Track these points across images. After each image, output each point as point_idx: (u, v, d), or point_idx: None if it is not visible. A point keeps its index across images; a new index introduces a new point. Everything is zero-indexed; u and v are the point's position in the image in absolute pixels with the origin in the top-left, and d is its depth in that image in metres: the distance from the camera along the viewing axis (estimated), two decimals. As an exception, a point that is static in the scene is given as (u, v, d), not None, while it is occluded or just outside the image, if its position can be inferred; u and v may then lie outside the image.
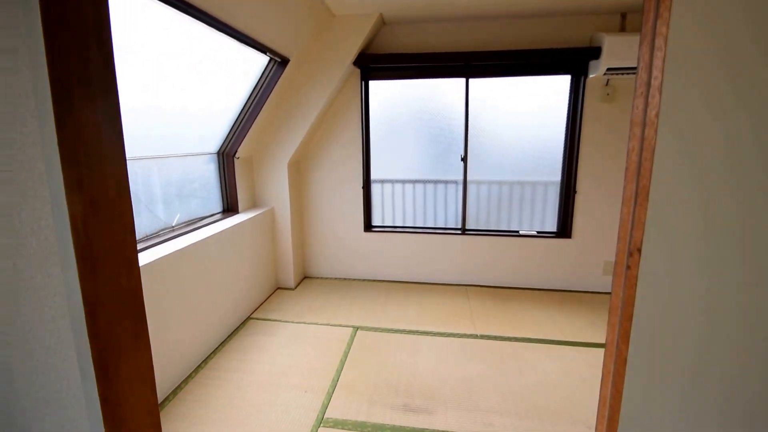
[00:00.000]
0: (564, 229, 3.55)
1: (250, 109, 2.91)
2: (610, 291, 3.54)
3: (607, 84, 3.15)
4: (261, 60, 2.68)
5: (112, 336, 0.86)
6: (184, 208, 2.62)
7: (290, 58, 2.82)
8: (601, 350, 2.62)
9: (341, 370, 2.42)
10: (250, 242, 3.09)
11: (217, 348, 2.62)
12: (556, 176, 3.53)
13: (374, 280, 3.88)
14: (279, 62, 2.79)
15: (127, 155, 2.10)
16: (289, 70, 2.92)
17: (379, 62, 3.30)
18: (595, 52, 2.93)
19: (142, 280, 1.96)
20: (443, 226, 3.83)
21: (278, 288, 3.67)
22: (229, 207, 3.17)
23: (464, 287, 3.72)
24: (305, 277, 3.95)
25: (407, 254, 3.80)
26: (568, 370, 2.41)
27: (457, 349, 2.64)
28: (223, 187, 3.09)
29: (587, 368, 2.44)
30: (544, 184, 3.58)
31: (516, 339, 2.78)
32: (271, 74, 2.82)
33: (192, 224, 2.68)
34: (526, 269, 3.65)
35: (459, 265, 3.75)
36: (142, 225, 2.23)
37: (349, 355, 2.57)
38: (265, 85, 2.85)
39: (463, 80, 3.38)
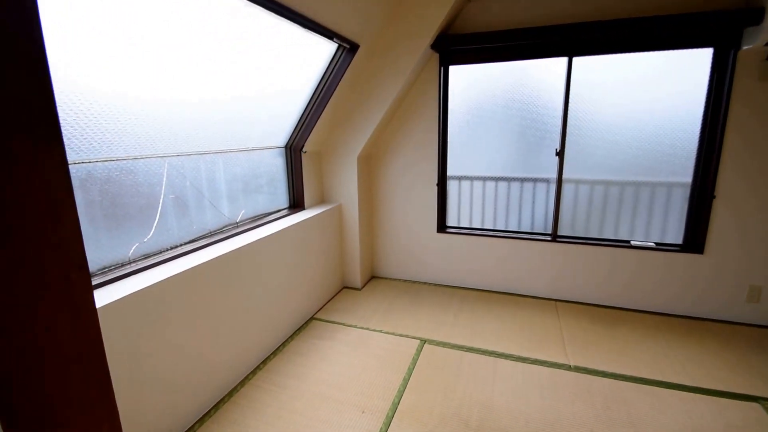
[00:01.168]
0: (694, 242, 2.85)
1: (317, 101, 2.79)
2: (759, 324, 2.77)
3: (767, 58, 2.40)
4: (328, 47, 2.54)
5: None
6: (250, 204, 2.60)
7: (360, 44, 2.63)
8: (748, 405, 2.00)
9: (403, 391, 2.18)
10: (316, 240, 3.01)
11: (277, 349, 2.57)
12: (685, 176, 2.84)
13: (447, 286, 3.57)
14: (348, 49, 2.62)
15: (193, 149, 2.14)
16: (359, 58, 2.74)
17: (462, 44, 2.95)
18: (754, 16, 2.22)
19: (204, 278, 1.97)
20: (530, 231, 3.36)
21: (344, 287, 3.56)
22: (296, 203, 3.11)
23: (553, 302, 3.22)
24: (373, 277, 3.79)
25: (486, 260, 3.42)
26: (697, 430, 1.87)
27: (545, 382, 2.24)
28: (289, 182, 3.04)
29: (723, 428, 1.86)
30: (667, 186, 2.91)
31: (624, 377, 2.27)
32: (339, 62, 2.67)
33: (257, 220, 2.65)
34: (639, 287, 3.02)
35: (548, 276, 3.26)
36: (206, 221, 2.23)
37: (413, 373, 2.33)
38: (333, 74, 2.71)
39: (563, 60, 2.87)
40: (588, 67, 2.86)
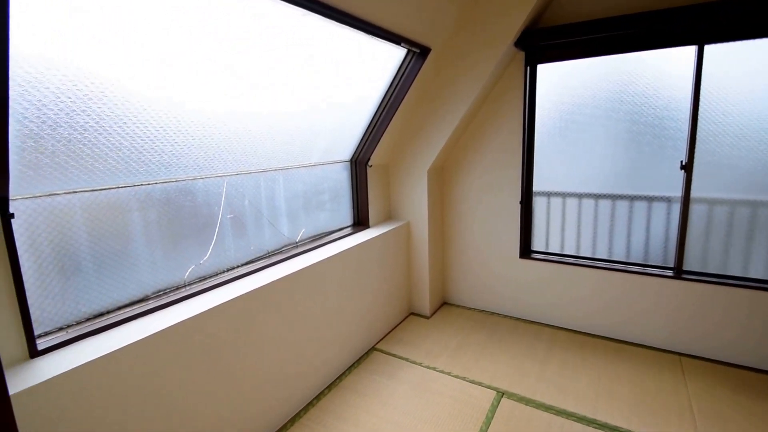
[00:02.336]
0: None
1: (385, 110, 2.69)
2: None
3: None
4: (396, 53, 2.42)
5: None
6: (311, 222, 2.57)
7: (431, 47, 2.47)
8: None
9: (472, 454, 1.93)
10: (381, 261, 2.89)
11: (333, 383, 2.48)
12: None
13: (531, 322, 3.20)
14: (418, 53, 2.47)
15: (253, 167, 2.17)
16: (430, 62, 2.58)
17: (553, 38, 2.63)
18: None
19: (260, 304, 1.97)
20: (642, 262, 2.86)
21: (411, 314, 3.39)
22: (360, 220, 3.04)
23: (676, 357, 2.68)
24: (444, 303, 3.56)
25: (581, 294, 2.98)
26: None
27: (660, 468, 1.81)
28: (354, 198, 2.98)
29: None
30: None
31: (780, 477, 1.75)
32: (408, 69, 2.53)
33: (318, 239, 2.62)
34: (801, 348, 2.37)
35: (668, 322, 2.72)
36: (265, 241, 2.23)
37: (486, 432, 2.06)
38: (402, 81, 2.59)
39: (691, 49, 2.40)
40: (726, 56, 2.34)
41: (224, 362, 1.79)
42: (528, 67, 2.87)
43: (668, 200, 2.72)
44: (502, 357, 2.73)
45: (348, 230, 2.88)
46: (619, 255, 2.95)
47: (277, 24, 1.72)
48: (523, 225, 3.13)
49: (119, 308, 1.60)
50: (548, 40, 2.67)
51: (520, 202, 3.09)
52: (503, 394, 2.36)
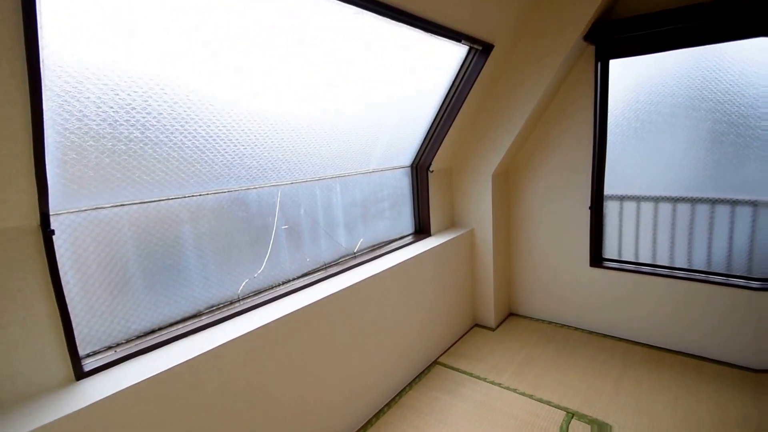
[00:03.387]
0: None
1: (446, 112, 2.29)
2: None
3: None
4: (457, 51, 2.02)
5: None
6: (369, 231, 2.23)
7: (494, 44, 2.03)
8: None
9: (554, 501, 1.46)
10: (443, 270, 2.48)
11: (393, 399, 2.10)
12: None
13: (604, 335, 2.61)
14: (480, 51, 2.05)
15: (308, 175, 1.85)
16: (494, 60, 2.14)
17: (628, 30, 2.09)
18: None
19: (316, 318, 1.63)
20: (725, 272, 2.20)
21: (476, 325, 2.92)
22: (421, 228, 2.64)
23: (764, 375, 2.00)
24: (510, 314, 3.05)
25: (659, 306, 2.37)
26: None
27: None
28: (414, 205, 2.59)
29: None
30: None
31: None
32: (470, 67, 2.11)
33: (377, 249, 2.27)
34: None
35: (755, 339, 2.06)
36: (321, 252, 1.92)
37: (566, 471, 1.57)
38: (463, 81, 2.17)
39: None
40: None
41: (280, 381, 1.49)
42: (599, 63, 2.32)
43: (754, 204, 2.05)
44: (572, 373, 2.21)
45: (409, 239, 2.51)
46: (699, 264, 2.30)
47: (330, 22, 1.40)
48: (594, 231, 2.56)
49: (171, 325, 1.36)
50: (621, 33, 2.13)
51: (590, 207, 2.53)
52: (573, 415, 1.86)
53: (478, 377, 2.24)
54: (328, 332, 1.68)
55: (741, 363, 2.16)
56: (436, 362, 2.44)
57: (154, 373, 1.14)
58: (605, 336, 2.60)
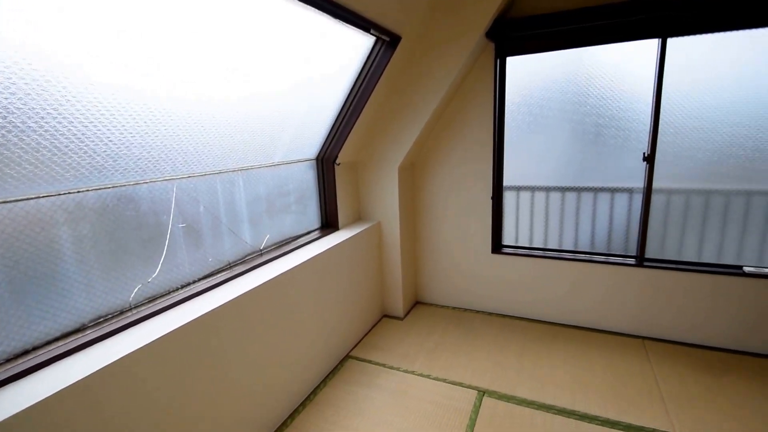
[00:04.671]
0: (837, 270, 2.26)
1: (352, 105, 2.48)
2: None
3: None
4: (365, 41, 2.21)
5: None
6: (276, 227, 2.32)
7: (401, 36, 2.28)
8: None
9: (461, 465, 1.79)
10: (352, 264, 2.68)
11: (308, 397, 2.25)
12: (824, 182, 2.26)
13: (505, 316, 3.13)
14: (387, 42, 2.28)
15: (207, 168, 1.87)
16: (401, 52, 2.39)
17: (523, 29, 2.53)
18: None
19: (222, 322, 1.69)
20: (606, 252, 2.86)
21: (384, 316, 3.21)
22: (329, 222, 2.81)
23: (640, 341, 2.70)
24: (417, 303, 3.42)
25: (551, 286, 2.95)
26: None
27: (646, 461, 1.77)
28: (321, 199, 2.74)
29: None
30: (794, 195, 2.34)
31: (756, 459, 1.75)
32: (377, 59, 2.33)
33: (284, 245, 2.36)
34: (755, 325, 2.45)
35: (632, 308, 2.74)
36: (225, 251, 1.96)
37: (472, 438, 1.93)
38: (370, 73, 2.38)
39: (654, 42, 2.38)
40: (686, 50, 2.35)
41: (185, 395, 1.52)
42: (498, 60, 2.76)
43: (630, 191, 2.72)
44: (479, 354, 2.63)
45: (316, 234, 2.65)
46: (584, 246, 2.94)
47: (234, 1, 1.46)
48: (495, 220, 3.04)
49: (49, 343, 1.29)
50: (517, 32, 2.57)
51: (492, 198, 3.00)
52: (484, 392, 2.25)
53: (391, 367, 2.52)
54: (238, 337, 1.75)
55: (625, 331, 2.80)
56: (348, 356, 2.65)
57: (29, 404, 1.08)
58: (506, 316, 3.12)
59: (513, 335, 2.85)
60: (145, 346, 1.36)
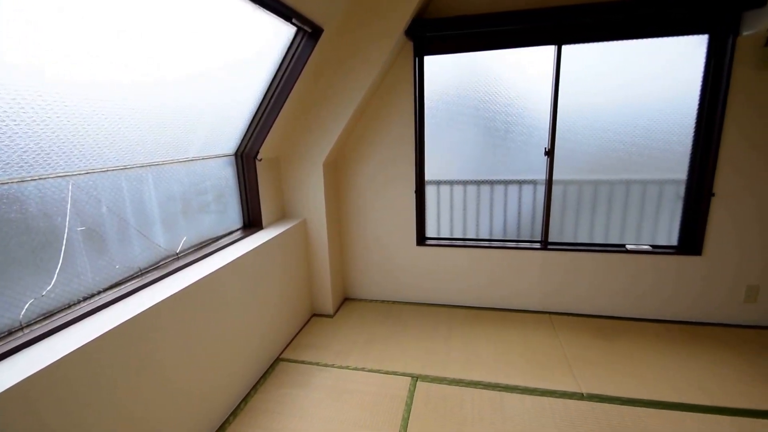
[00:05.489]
0: (691, 243, 2.78)
1: (274, 97, 2.39)
2: (758, 325, 2.75)
3: (766, 44, 2.34)
4: (286, 32, 2.15)
5: None
6: (193, 228, 2.15)
7: (323, 28, 2.26)
8: (781, 428, 1.88)
9: (401, 450, 1.86)
10: (278, 264, 2.59)
11: (239, 407, 2.13)
12: (678, 173, 2.75)
13: (431, 305, 3.29)
14: (309, 33, 2.25)
15: (110, 163, 1.66)
16: (323, 45, 2.37)
17: (438, 29, 2.67)
18: (756, -2, 2.13)
19: (133, 337, 1.51)
20: (516, 239, 3.16)
21: (314, 315, 3.17)
22: (252, 221, 2.68)
23: (548, 316, 3.04)
24: (346, 299, 3.43)
25: (471, 273, 3.17)
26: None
27: (560, 419, 2.00)
28: (242, 197, 2.60)
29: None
30: (659, 183, 2.82)
31: (642, 402, 2.09)
32: (299, 50, 2.28)
33: (203, 248, 2.20)
34: (636, 294, 2.91)
35: (540, 288, 3.07)
36: (135, 256, 1.76)
37: (409, 423, 2.00)
38: (291, 65, 2.32)
39: (552, 48, 2.68)
40: (578, 57, 2.68)
41: (85, 422, 1.34)
42: (416, 58, 2.87)
43: (534, 183, 3.04)
44: (410, 343, 2.73)
45: (239, 234, 2.51)
46: (498, 234, 3.21)
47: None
48: (419, 214, 3.17)
49: None
50: (433, 31, 2.70)
51: (415, 192, 3.12)
52: (418, 378, 2.35)
53: (325, 365, 2.50)
54: (154, 350, 1.59)
55: (537, 309, 3.11)
56: (279, 359, 2.57)
57: None
58: (433, 305, 3.28)
59: (440, 322, 3.00)
60: (41, 370, 1.17)
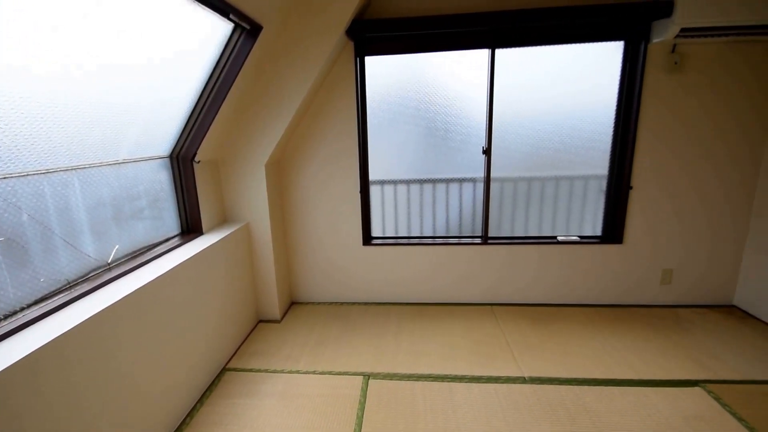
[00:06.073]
0: (613, 233, 3.11)
1: (211, 96, 2.33)
2: (671, 304, 3.15)
3: (673, 51, 2.69)
4: (223, 28, 2.11)
5: None
6: (126, 236, 2.04)
7: (263, 25, 2.25)
8: (692, 391, 2.18)
9: (357, 447, 1.90)
10: (220, 271, 2.53)
11: (184, 421, 2.06)
12: (602, 169, 3.07)
13: (380, 303, 3.37)
14: (248, 31, 2.22)
15: (29, 166, 1.54)
16: (263, 43, 2.36)
17: (377, 30, 2.75)
18: (663, 9, 2.44)
19: (64, 357, 1.41)
20: (458, 235, 3.34)
21: (260, 321, 3.11)
22: (191, 227, 2.58)
23: (490, 307, 3.25)
24: (293, 303, 3.40)
25: (417, 270, 3.30)
26: (661, 427, 1.95)
27: (505, 402, 2.16)
28: (180, 201, 2.50)
29: (682, 422, 1.98)
30: (584, 179, 3.13)
31: (578, 381, 2.32)
32: (237, 48, 2.25)
33: (138, 256, 2.10)
34: (568, 282, 3.20)
35: (482, 281, 3.27)
36: (61, 268, 1.64)
37: (364, 421, 2.05)
38: (229, 63, 2.28)
39: (486, 52, 2.87)
40: (511, 61, 2.90)
41: (21, 448, 1.25)
42: (357, 58, 2.93)
43: (474, 181, 3.23)
44: (360, 342, 2.78)
45: (177, 240, 2.41)
46: (441, 231, 3.36)
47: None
48: (364, 214, 3.23)
49: None
50: (372, 32, 2.77)
51: (360, 192, 3.17)
52: (369, 376, 2.41)
53: (275, 371, 2.48)
54: (87, 370, 1.50)
55: (480, 301, 3.29)
56: (225, 369, 2.51)
57: None
58: (381, 304, 3.36)
59: (389, 320, 3.09)
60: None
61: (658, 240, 3.05)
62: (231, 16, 1.98)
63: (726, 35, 2.53)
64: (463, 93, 3.02)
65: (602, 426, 1.98)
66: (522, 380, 2.34)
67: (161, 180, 2.34)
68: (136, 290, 1.77)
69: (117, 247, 1.96)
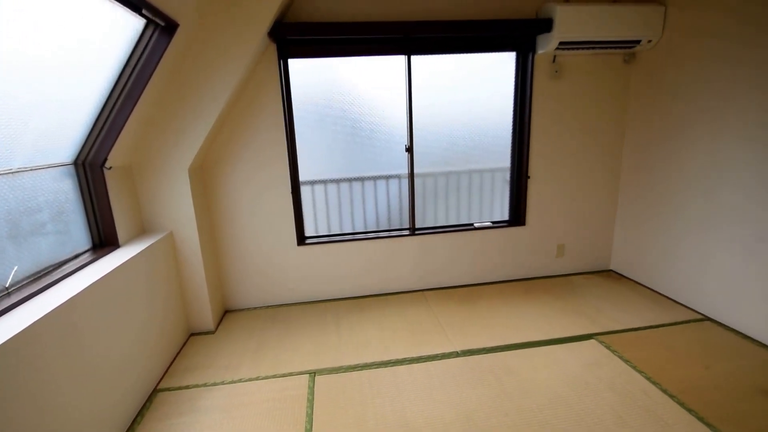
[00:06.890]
0: (517, 217, 3.39)
1: (122, 97, 2.04)
2: (565, 273, 3.53)
3: (554, 61, 3.01)
4: (135, 24, 1.86)
5: None
6: (27, 255, 1.69)
7: (179, 22, 2.03)
8: (589, 343, 2.47)
9: (311, 444, 1.81)
10: (141, 285, 2.22)
11: (113, 455, 1.78)
12: (505, 162, 3.33)
13: (318, 302, 3.26)
14: (163, 27, 1.98)
15: None
16: (180, 41, 2.12)
17: (299, 33, 2.65)
18: (544, 25, 2.72)
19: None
20: (388, 228, 3.38)
21: (192, 334, 2.82)
22: (104, 241, 2.24)
23: (421, 293, 3.34)
24: (227, 312, 3.14)
25: (352, 265, 3.26)
26: (568, 377, 2.17)
27: (443, 376, 2.23)
28: (89, 212, 2.15)
29: (584, 369, 2.23)
30: (492, 171, 3.37)
31: (502, 348, 2.48)
32: (150, 46, 1.99)
33: (43, 277, 1.75)
34: (485, 263, 3.42)
35: (413, 269, 3.35)
36: (-59, 298, 1.30)
37: (314, 418, 1.97)
38: (142, 61, 2.01)
39: (403, 58, 2.93)
40: (426, 67, 3.00)
41: None
42: (281, 60, 2.79)
43: (399, 177, 3.29)
44: (302, 341, 2.67)
45: (88, 256, 2.06)
46: (371, 226, 3.37)
47: None
48: (296, 214, 3.10)
49: None
50: (294, 35, 2.66)
51: (291, 193, 3.03)
52: (315, 373, 2.32)
53: (213, 384, 2.26)
54: (-7, 408, 1.21)
55: (412, 288, 3.35)
56: (156, 390, 2.22)
57: None
58: (319, 302, 3.25)
59: (328, 316, 3.01)
60: None
61: (553, 220, 3.40)
62: (143, 11, 1.74)
63: (592, 48, 2.90)
64: (385, 95, 3.05)
65: (524, 383, 2.14)
66: (455, 354, 2.44)
67: (65, 190, 1.98)
68: (41, 318, 1.47)
69: (16, 268, 1.62)
